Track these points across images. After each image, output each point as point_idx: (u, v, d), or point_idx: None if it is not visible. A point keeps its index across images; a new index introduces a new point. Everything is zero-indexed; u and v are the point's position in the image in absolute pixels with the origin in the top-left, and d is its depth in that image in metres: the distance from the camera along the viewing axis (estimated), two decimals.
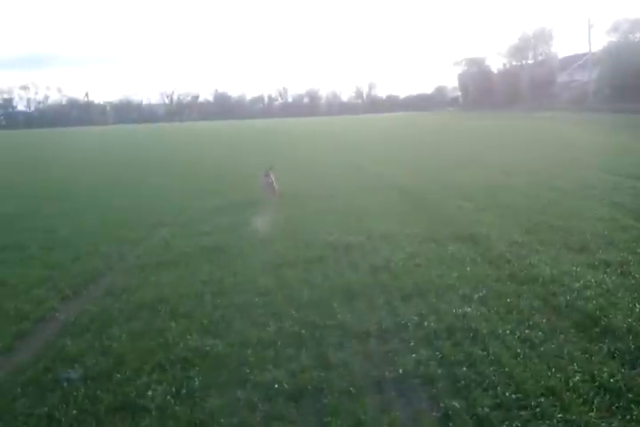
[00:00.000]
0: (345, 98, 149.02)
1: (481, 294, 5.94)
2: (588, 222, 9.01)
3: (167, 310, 5.85)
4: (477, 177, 14.85)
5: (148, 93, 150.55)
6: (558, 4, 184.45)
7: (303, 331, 5.17)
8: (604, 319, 5.11)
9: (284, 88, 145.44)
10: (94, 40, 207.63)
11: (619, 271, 6.53)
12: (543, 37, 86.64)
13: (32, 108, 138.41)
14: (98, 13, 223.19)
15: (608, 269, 6.61)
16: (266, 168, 13.37)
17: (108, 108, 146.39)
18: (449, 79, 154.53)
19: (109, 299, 6.39)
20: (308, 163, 20.82)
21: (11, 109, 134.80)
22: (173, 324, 5.45)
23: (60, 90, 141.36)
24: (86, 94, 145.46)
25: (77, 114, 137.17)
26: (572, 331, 4.95)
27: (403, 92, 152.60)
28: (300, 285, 6.49)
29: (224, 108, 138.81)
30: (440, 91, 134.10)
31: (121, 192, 15.10)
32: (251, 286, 6.49)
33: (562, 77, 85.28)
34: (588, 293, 5.80)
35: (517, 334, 4.91)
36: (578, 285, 6.05)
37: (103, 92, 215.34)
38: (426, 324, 5.20)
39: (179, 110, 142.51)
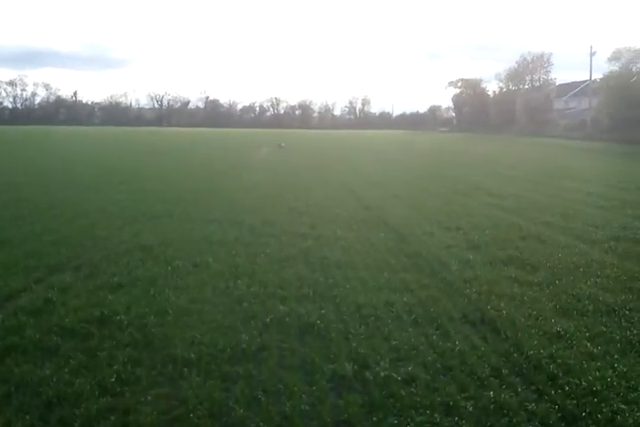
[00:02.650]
0: (337, 112, 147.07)
1: None
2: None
3: None
4: (484, 213, 12.27)
5: (138, 96, 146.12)
6: (559, 30, 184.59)
7: None
8: None
9: (275, 99, 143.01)
10: (87, 40, 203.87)
11: None
12: (541, 63, 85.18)
13: (18, 105, 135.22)
14: (92, 14, 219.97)
15: None
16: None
17: (96, 109, 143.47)
18: (443, 99, 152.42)
19: None
20: (293, 184, 18.08)
21: None
22: None
23: (47, 87, 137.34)
24: (74, 94, 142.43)
25: (65, 113, 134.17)
26: None
27: (396, 110, 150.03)
28: (208, 414, 3.78)
29: (214, 115, 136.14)
30: (433, 111, 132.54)
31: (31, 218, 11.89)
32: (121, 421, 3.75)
33: (557, 104, 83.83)
34: None
35: None
36: None
37: (92, 93, 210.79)
38: None
39: (168, 115, 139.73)
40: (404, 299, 6.32)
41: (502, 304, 6.19)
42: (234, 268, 7.56)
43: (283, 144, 38.00)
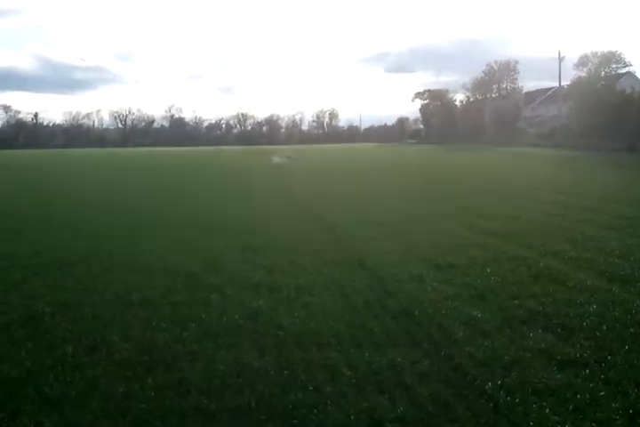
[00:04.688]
0: (305, 127, 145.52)
1: None
2: None
3: None
4: (478, 242, 10.13)
5: (102, 116, 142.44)
6: (525, 37, 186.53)
7: None
8: None
9: (242, 115, 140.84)
10: (49, 61, 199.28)
11: None
12: (508, 71, 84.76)
13: None
14: (53, 35, 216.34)
15: None
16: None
17: (58, 131, 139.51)
18: (411, 111, 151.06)
19: None
20: (248, 211, 15.81)
21: None
22: None
23: (7, 110, 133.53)
24: (35, 116, 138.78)
25: (25, 136, 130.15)
26: None
27: (364, 123, 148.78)
28: None
29: (180, 134, 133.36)
30: (401, 123, 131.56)
31: None
32: None
33: (525, 112, 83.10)
34: None
35: None
36: None
37: (54, 115, 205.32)
38: None
39: (132, 135, 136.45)
40: (399, 409, 4.09)
41: (548, 411, 4.00)
42: (147, 352, 5.23)
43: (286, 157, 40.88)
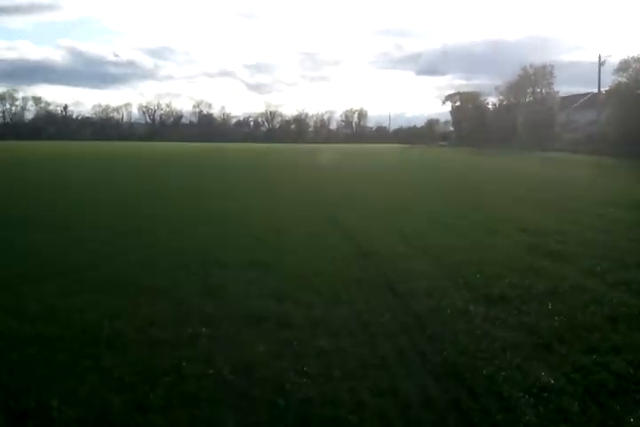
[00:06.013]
0: (333, 126, 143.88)
1: None
2: None
3: None
4: (528, 265, 8.48)
5: (131, 110, 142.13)
6: (562, 41, 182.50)
7: None
8: None
9: (270, 113, 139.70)
10: (81, 55, 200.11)
11: None
12: (543, 75, 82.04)
13: (8, 120, 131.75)
14: (88, 30, 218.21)
15: None
16: None
17: (87, 124, 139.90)
18: (441, 114, 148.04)
19: None
20: (260, 216, 14.33)
21: None
22: None
23: (37, 102, 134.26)
24: (64, 108, 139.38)
25: (54, 128, 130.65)
26: None
27: (393, 125, 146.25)
28: None
29: (208, 130, 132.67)
30: (431, 125, 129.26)
31: None
32: None
33: (560, 117, 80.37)
34: None
35: None
36: None
37: (85, 108, 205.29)
38: None
39: (160, 130, 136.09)
40: None
41: None
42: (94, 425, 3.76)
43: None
